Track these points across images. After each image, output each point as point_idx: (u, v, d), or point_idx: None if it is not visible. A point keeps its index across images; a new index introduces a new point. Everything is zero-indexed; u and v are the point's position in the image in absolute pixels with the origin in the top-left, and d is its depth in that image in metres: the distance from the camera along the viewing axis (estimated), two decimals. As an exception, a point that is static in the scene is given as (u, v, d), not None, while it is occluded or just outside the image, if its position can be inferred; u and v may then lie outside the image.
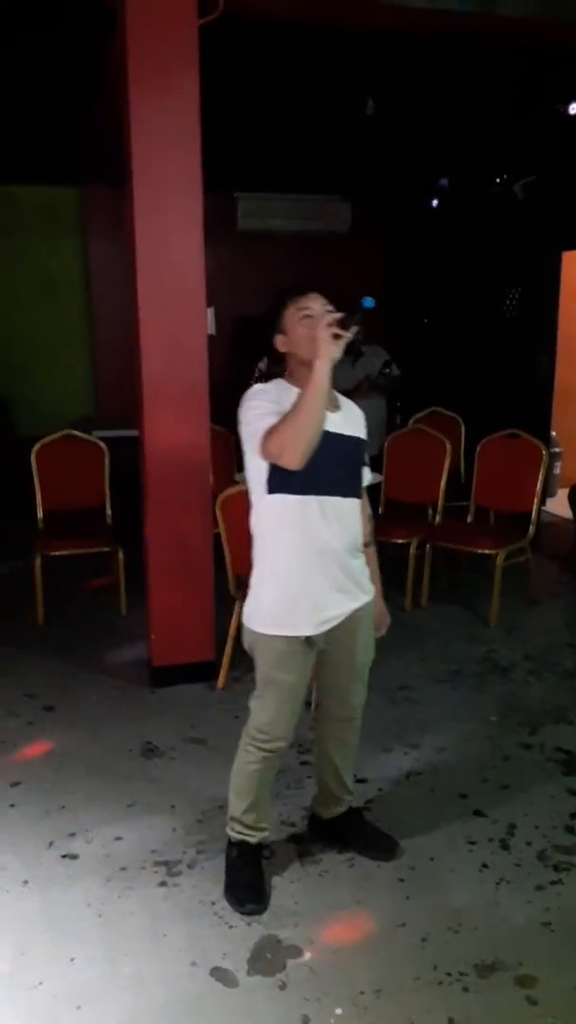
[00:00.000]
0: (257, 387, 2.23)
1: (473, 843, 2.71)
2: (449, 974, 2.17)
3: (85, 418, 6.88)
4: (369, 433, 2.44)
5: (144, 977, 2.16)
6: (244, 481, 3.75)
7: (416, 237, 7.69)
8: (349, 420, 2.31)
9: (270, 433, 2.07)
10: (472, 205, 6.76)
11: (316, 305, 2.18)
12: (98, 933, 2.32)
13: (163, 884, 2.51)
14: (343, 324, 2.03)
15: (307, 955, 2.23)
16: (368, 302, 1.99)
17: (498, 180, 6.15)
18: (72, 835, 2.74)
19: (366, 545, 2.45)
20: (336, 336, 2.03)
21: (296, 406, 2.04)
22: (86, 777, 3.08)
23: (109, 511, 4.83)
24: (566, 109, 4.87)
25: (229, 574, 3.70)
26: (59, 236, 7.40)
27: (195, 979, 2.16)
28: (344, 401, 2.37)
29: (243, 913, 2.35)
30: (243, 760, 2.43)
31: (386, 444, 5.20)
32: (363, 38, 3.91)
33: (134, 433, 3.82)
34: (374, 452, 4.49)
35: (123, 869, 2.58)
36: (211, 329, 4.30)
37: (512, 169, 6.08)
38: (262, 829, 2.50)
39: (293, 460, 2.04)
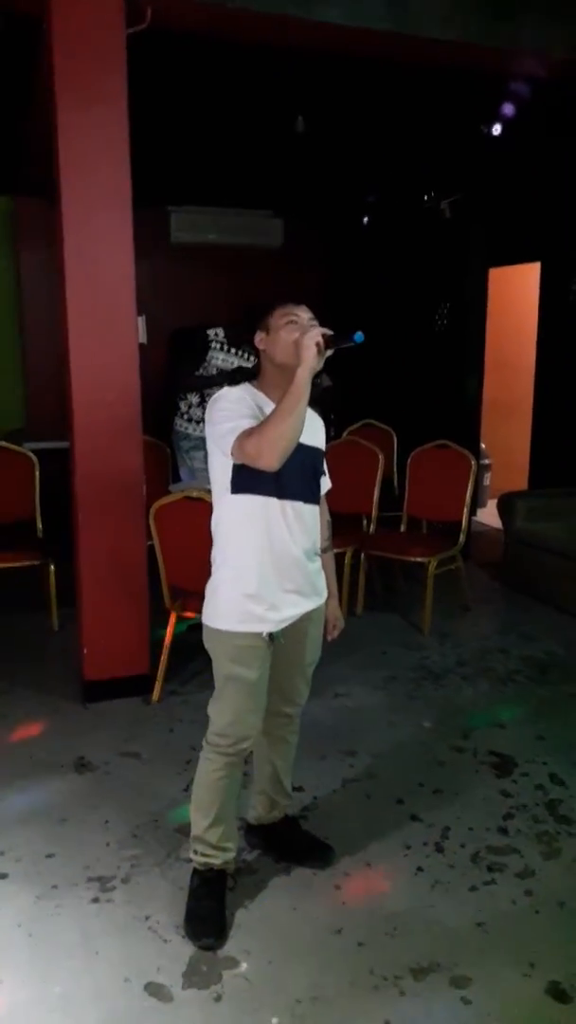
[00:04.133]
0: (225, 390, 2.23)
1: (409, 847, 2.73)
2: (385, 978, 2.18)
3: (17, 430, 6.76)
4: None
5: (76, 996, 2.11)
6: (177, 491, 3.73)
7: (349, 253, 7.80)
8: (310, 430, 2.32)
9: (248, 435, 2.07)
10: (402, 222, 6.91)
11: (304, 315, 2.21)
12: (28, 953, 2.26)
13: (96, 900, 2.46)
14: (328, 341, 2.05)
15: (243, 966, 2.21)
16: (359, 337, 2.01)
17: (425, 198, 6.29)
18: (1, 854, 2.66)
19: (324, 551, 2.48)
20: (318, 348, 2.03)
21: (277, 410, 2.05)
22: (16, 795, 3.00)
23: (40, 524, 4.74)
24: (489, 130, 5.03)
25: (164, 585, 3.67)
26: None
27: (129, 996, 2.11)
28: (307, 411, 2.39)
29: (199, 947, 2.27)
30: (205, 771, 2.37)
31: None
32: (292, 55, 3.96)
33: (66, 444, 3.77)
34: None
35: (54, 887, 2.52)
36: (142, 338, 4.28)
37: (439, 187, 6.23)
38: (227, 849, 2.42)
39: (271, 462, 2.05)
